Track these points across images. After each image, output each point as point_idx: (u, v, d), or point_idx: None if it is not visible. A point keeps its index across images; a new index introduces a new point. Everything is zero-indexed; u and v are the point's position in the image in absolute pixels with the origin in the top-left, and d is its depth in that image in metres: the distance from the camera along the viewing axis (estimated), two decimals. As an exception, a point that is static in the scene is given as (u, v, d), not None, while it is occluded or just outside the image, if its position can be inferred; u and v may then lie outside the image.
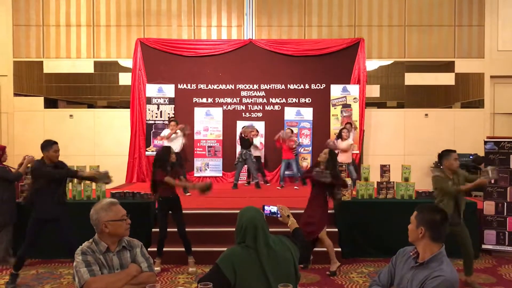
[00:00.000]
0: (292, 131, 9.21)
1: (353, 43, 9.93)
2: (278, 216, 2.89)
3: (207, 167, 9.97)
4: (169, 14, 10.25)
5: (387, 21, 10.22)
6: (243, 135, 8.92)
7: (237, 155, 9.20)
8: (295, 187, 8.79)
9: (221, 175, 9.96)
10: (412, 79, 10.27)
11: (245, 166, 9.11)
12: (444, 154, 4.95)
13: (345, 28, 10.24)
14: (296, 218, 3.04)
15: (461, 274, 5.00)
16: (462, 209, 4.90)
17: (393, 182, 6.45)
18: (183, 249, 5.48)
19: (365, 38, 10.01)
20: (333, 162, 5.37)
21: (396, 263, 2.54)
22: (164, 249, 5.51)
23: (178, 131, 8.41)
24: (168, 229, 5.44)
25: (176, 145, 8.21)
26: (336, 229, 6.11)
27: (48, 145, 4.84)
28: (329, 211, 5.61)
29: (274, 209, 2.89)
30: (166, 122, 9.37)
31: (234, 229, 2.52)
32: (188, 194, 8.01)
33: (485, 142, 6.43)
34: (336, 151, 8.38)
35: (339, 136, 8.68)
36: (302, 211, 5.50)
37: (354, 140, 9.10)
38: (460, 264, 5.30)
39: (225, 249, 2.51)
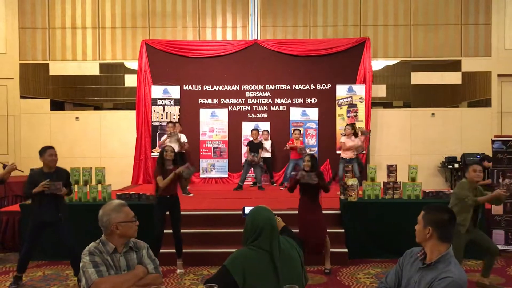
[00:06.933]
0: (300, 131, 9.16)
1: (359, 43, 9.87)
2: None
3: (213, 168, 9.97)
4: (174, 16, 10.27)
5: (393, 20, 10.16)
6: (252, 139, 8.97)
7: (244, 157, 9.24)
8: None
9: (226, 176, 9.95)
10: (418, 78, 10.20)
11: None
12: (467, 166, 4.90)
13: (351, 27, 10.20)
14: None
15: (474, 275, 4.96)
16: (478, 219, 4.80)
17: (400, 182, 6.39)
18: (188, 250, 5.47)
19: (370, 38, 9.96)
20: (316, 167, 5.39)
21: (403, 264, 2.51)
22: (170, 250, 5.47)
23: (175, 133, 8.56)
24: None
25: (175, 144, 8.32)
26: (343, 230, 6.09)
27: (43, 151, 4.93)
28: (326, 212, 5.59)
29: None
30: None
31: (238, 230, 2.48)
32: (191, 194, 7.99)
33: (493, 141, 6.38)
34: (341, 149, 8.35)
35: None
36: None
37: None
38: (469, 265, 5.26)
39: (230, 250, 2.49)
